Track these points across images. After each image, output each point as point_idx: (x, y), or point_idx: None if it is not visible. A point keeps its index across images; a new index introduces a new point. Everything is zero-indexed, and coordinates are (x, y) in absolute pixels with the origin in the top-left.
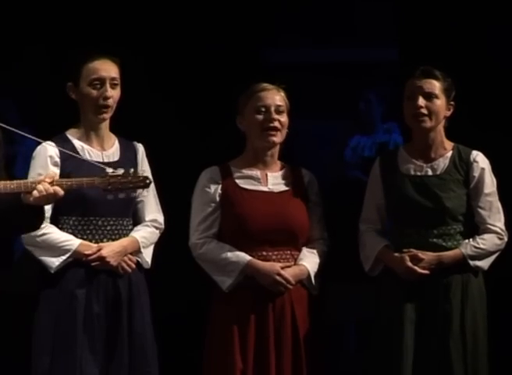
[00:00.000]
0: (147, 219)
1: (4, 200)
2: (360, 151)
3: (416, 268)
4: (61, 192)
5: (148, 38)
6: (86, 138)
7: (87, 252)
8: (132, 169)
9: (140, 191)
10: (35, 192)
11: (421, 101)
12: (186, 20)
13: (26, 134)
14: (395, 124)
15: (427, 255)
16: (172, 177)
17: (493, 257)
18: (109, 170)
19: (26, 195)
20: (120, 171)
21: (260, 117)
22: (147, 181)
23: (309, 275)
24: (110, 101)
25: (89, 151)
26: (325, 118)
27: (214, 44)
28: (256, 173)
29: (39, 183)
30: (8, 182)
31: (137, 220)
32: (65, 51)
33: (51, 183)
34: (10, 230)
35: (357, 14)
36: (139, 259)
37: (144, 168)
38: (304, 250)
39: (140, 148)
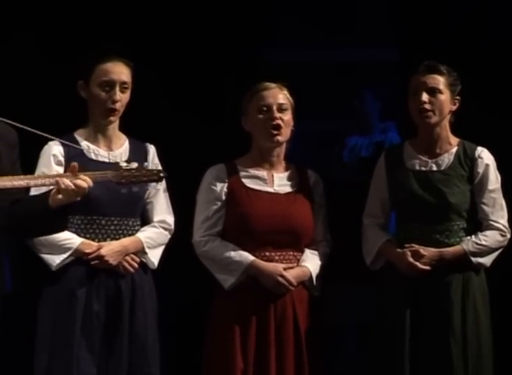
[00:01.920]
0: (155, 219)
1: (29, 203)
2: (357, 151)
3: (417, 264)
4: (83, 184)
5: (151, 40)
6: (93, 139)
7: (86, 251)
8: (146, 163)
9: (152, 186)
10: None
11: (425, 97)
12: (188, 20)
13: (37, 131)
14: (392, 123)
15: (428, 251)
16: (174, 176)
17: (495, 254)
18: (123, 164)
19: (53, 195)
20: (134, 165)
21: (262, 116)
22: (161, 175)
23: (311, 277)
24: (118, 105)
25: (95, 152)
26: (324, 118)
27: (214, 44)
28: (262, 173)
29: (56, 181)
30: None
31: (146, 221)
32: (73, 53)
33: (73, 178)
34: (35, 233)
35: (356, 14)
36: (144, 260)
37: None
38: (307, 251)
39: (151, 150)
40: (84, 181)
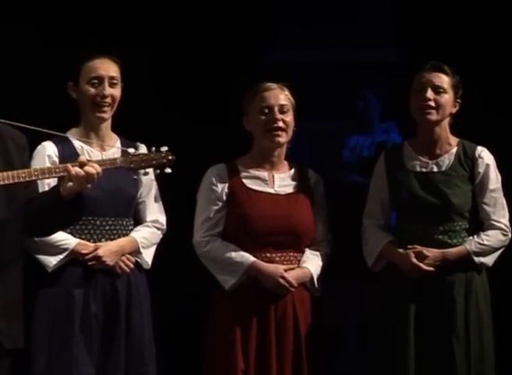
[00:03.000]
0: (148, 219)
1: (41, 198)
2: (358, 151)
3: (421, 265)
4: (92, 170)
5: (150, 38)
6: (86, 139)
7: (83, 252)
8: (153, 148)
9: (142, 191)
10: (69, 178)
11: (430, 94)
12: (187, 20)
13: (42, 129)
14: (393, 124)
15: (432, 252)
16: (174, 176)
17: (498, 253)
18: (131, 150)
19: (63, 184)
20: (142, 149)
21: (264, 117)
22: (170, 157)
23: (312, 277)
24: (108, 100)
25: (88, 152)
26: (324, 118)
27: (213, 43)
28: (263, 174)
29: (66, 168)
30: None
31: (139, 221)
32: (67, 50)
33: (82, 166)
34: (51, 226)
35: (357, 14)
36: (138, 260)
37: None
38: (308, 252)
39: (142, 149)
40: (92, 167)
